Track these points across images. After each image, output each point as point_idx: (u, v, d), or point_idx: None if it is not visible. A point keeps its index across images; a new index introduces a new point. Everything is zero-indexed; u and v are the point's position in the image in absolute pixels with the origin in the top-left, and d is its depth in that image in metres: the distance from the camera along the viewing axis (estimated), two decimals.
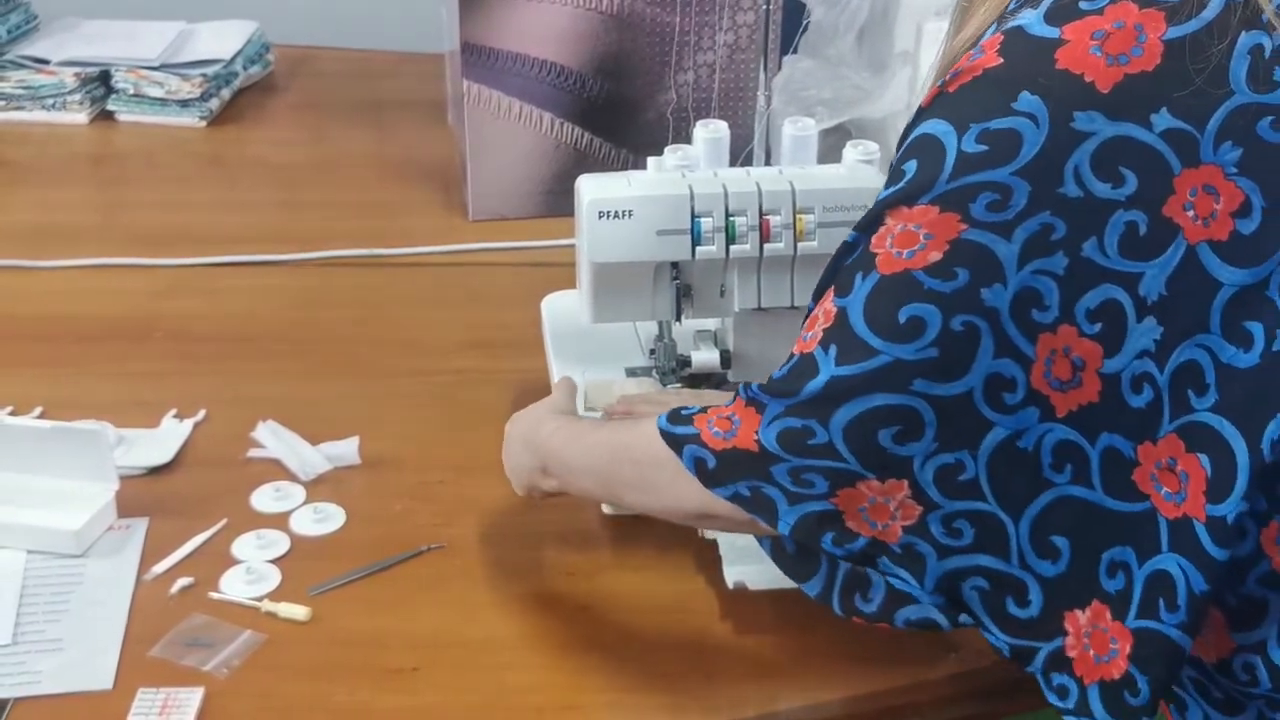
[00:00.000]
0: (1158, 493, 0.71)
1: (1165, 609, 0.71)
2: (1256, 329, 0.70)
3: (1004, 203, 0.69)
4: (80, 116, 1.73)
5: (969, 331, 0.70)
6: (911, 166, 0.72)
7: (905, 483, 0.72)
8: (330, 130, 1.77)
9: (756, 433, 0.74)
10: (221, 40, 1.83)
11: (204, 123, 1.74)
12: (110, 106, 1.75)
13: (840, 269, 0.75)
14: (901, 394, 0.70)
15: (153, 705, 0.84)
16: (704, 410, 0.79)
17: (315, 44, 2.02)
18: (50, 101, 1.73)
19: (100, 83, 1.76)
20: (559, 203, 1.50)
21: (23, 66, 1.75)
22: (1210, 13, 0.70)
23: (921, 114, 0.74)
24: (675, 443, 0.78)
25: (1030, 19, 0.71)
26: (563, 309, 1.15)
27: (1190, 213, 0.69)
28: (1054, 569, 0.73)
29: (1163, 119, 0.69)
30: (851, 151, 1.04)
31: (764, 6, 1.41)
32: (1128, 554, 0.72)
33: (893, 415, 0.71)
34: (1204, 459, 0.70)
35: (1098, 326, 0.70)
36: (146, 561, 0.97)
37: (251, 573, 0.95)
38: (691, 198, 0.97)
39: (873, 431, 0.71)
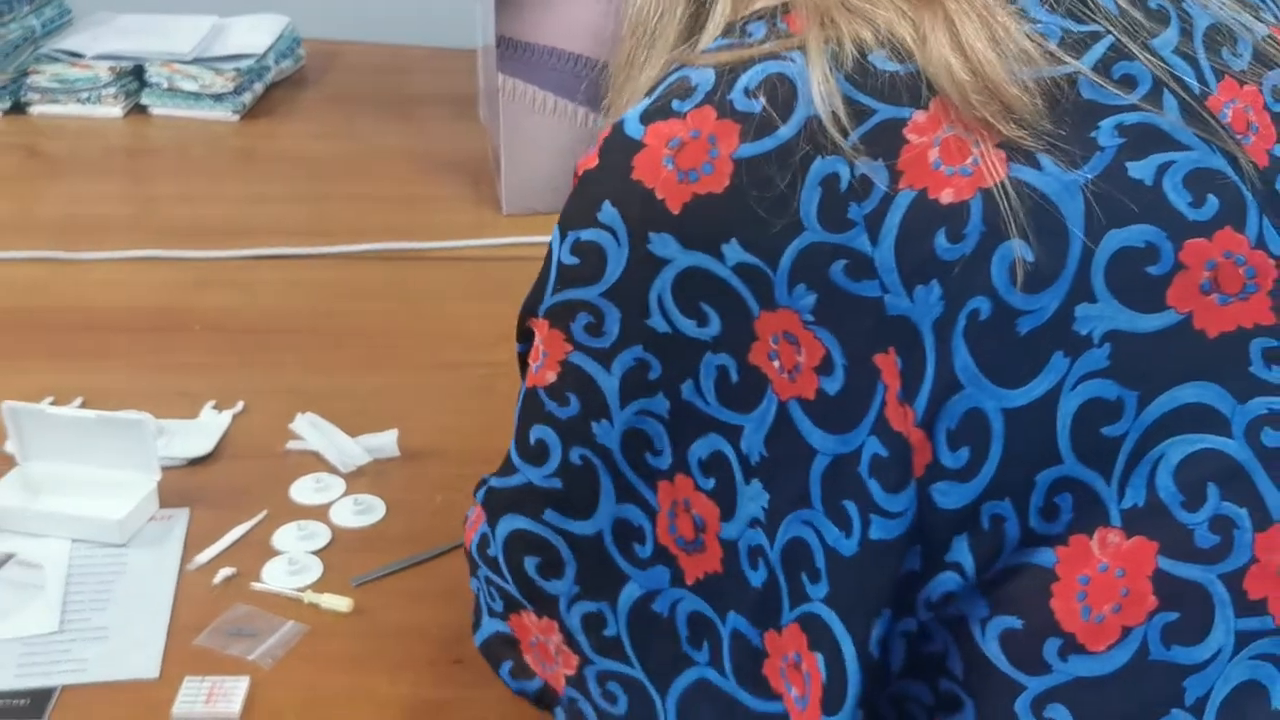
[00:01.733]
0: (788, 693, 0.62)
1: None
2: (853, 510, 0.59)
3: (599, 327, 0.63)
4: (114, 110, 1.74)
5: (587, 466, 0.65)
6: (539, 275, 0.67)
7: (556, 624, 0.68)
8: (361, 124, 1.77)
9: (475, 530, 0.73)
10: (254, 35, 1.84)
11: (237, 117, 1.75)
12: (144, 100, 1.76)
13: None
14: (536, 521, 0.67)
15: (198, 694, 0.84)
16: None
17: (344, 39, 2.03)
18: (85, 95, 1.74)
19: (134, 77, 1.77)
20: None
21: (57, 60, 1.76)
22: (788, 131, 0.59)
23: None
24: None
25: (632, 114, 0.63)
26: None
27: (775, 363, 0.60)
28: None
29: (734, 251, 0.59)
30: None
31: None
32: None
33: (532, 544, 0.68)
34: (819, 659, 0.60)
35: (712, 481, 0.62)
36: (189, 551, 0.97)
37: (294, 563, 0.95)
38: None
39: (520, 556, 0.68)
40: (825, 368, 0.59)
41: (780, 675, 0.63)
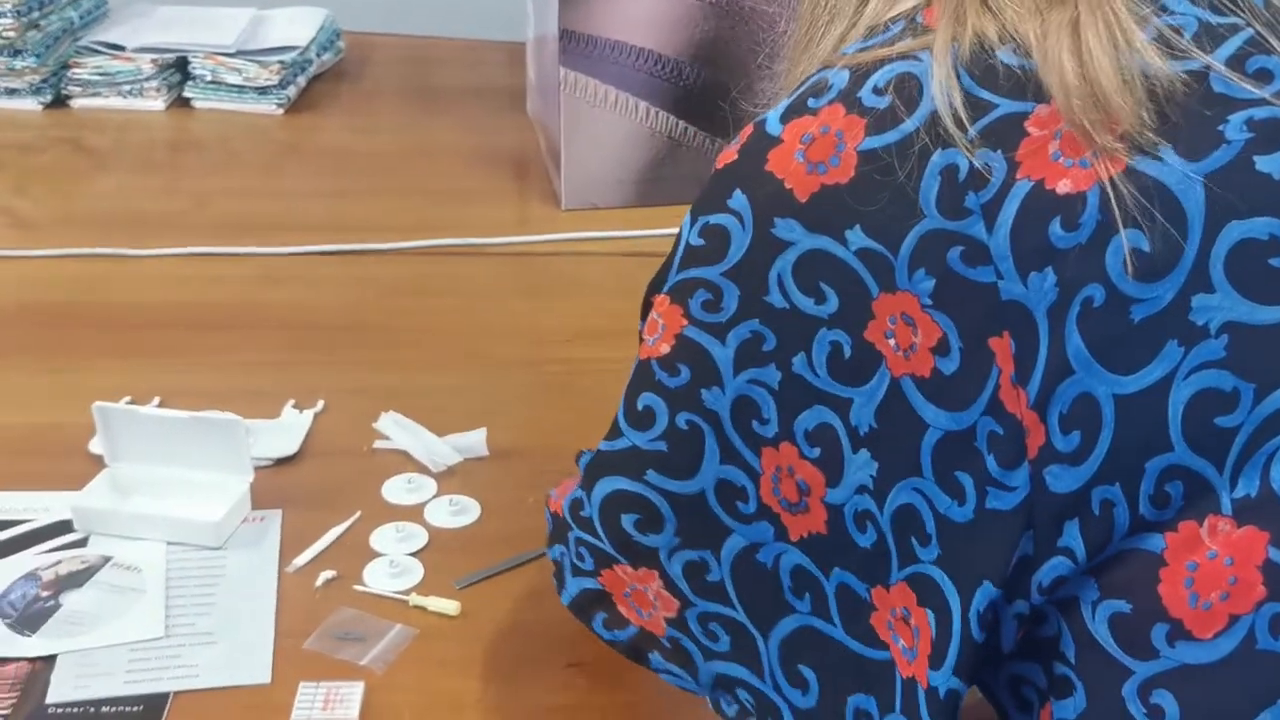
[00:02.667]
0: (895, 644, 0.65)
1: None
2: (967, 481, 0.61)
3: (716, 303, 0.66)
4: (157, 103, 1.72)
5: (693, 431, 0.67)
6: (671, 257, 0.70)
7: (655, 573, 0.71)
8: (404, 118, 1.76)
9: (567, 496, 0.75)
10: (295, 27, 1.82)
11: (281, 110, 1.73)
12: (187, 93, 1.74)
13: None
14: (637, 481, 0.70)
15: (315, 699, 0.83)
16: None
17: (381, 31, 2.02)
18: (127, 88, 1.72)
19: (177, 69, 1.75)
20: (652, 191, 1.49)
21: (98, 53, 1.74)
22: (911, 125, 0.62)
23: None
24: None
25: (773, 114, 0.67)
26: None
27: (891, 341, 0.62)
28: (804, 701, 0.69)
29: (857, 236, 0.62)
30: None
31: None
32: (870, 704, 0.67)
33: (632, 502, 0.70)
34: (930, 615, 0.63)
35: (817, 450, 0.65)
36: (285, 554, 0.96)
37: (395, 565, 0.94)
38: None
39: (617, 515, 0.71)
40: (941, 349, 0.61)
41: (887, 627, 0.65)
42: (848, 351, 0.63)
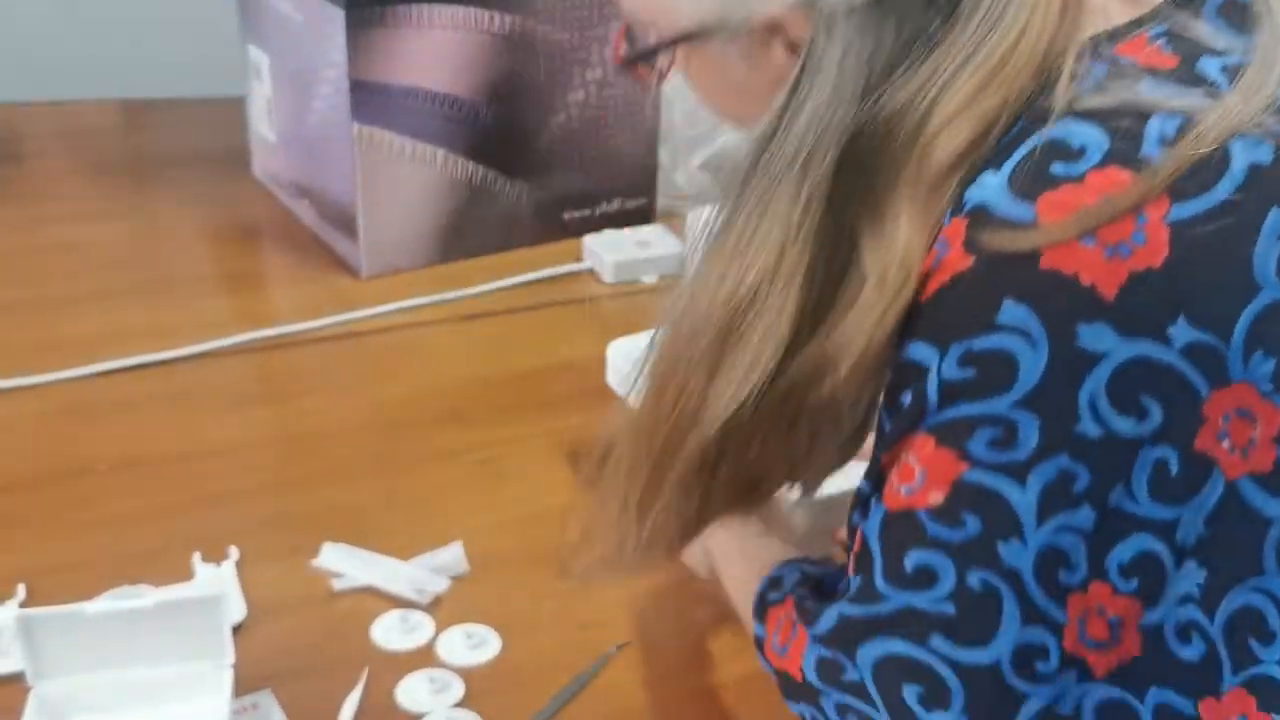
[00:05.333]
0: None
1: None
2: None
3: (1009, 441, 0.56)
4: None
5: (988, 593, 0.58)
6: (907, 398, 0.59)
7: None
8: (128, 197, 1.51)
9: (802, 656, 0.66)
10: None
11: None
12: None
13: (859, 491, 0.65)
14: (920, 646, 0.59)
15: None
16: (784, 600, 0.70)
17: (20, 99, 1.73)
18: None
19: None
20: (455, 245, 1.37)
21: None
22: (1226, 185, 0.55)
23: (906, 333, 0.60)
24: (756, 646, 0.71)
25: (992, 191, 0.56)
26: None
27: (1225, 443, 0.56)
28: None
29: (1181, 331, 0.54)
30: None
31: None
32: None
33: (914, 672, 0.60)
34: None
35: (1134, 582, 0.58)
36: None
37: None
38: None
39: (897, 684, 0.61)
40: None
41: None
42: (1174, 468, 0.56)
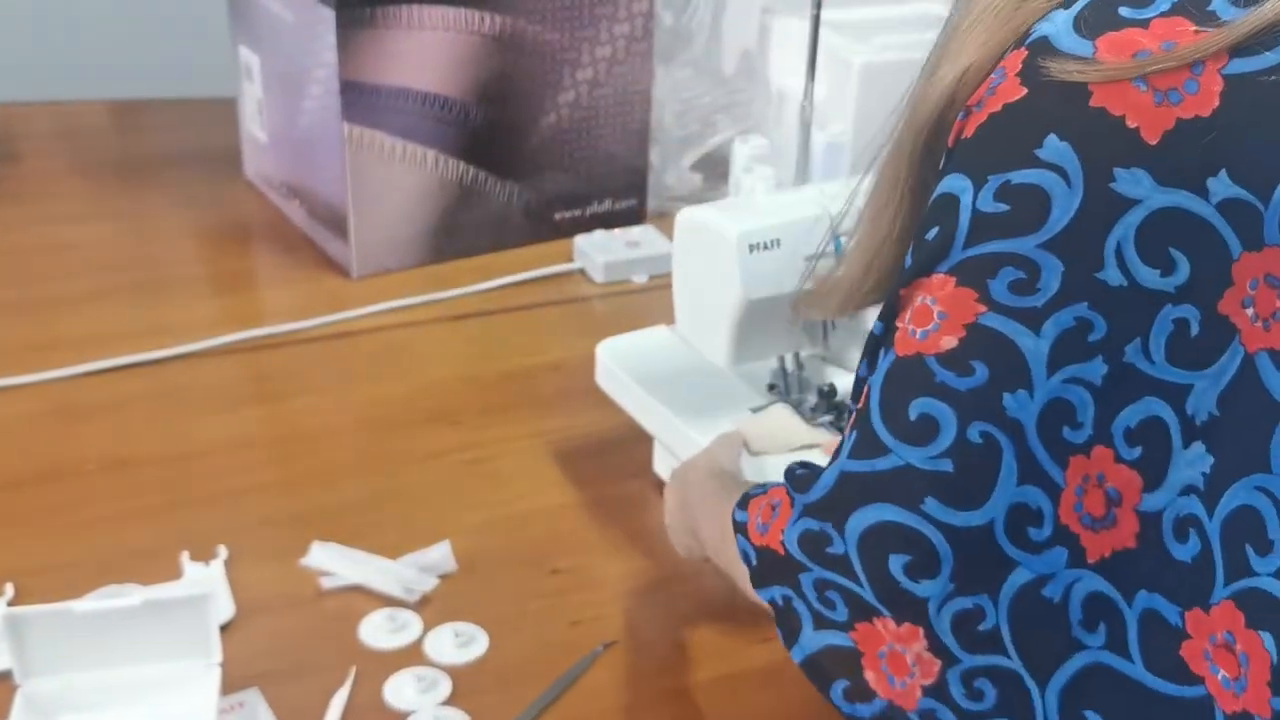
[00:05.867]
0: (1214, 676, 0.56)
1: None
2: None
3: (1030, 284, 0.55)
4: None
5: (988, 446, 0.56)
6: (933, 233, 0.58)
7: (921, 630, 0.58)
8: (121, 199, 1.51)
9: (784, 531, 0.63)
10: None
11: None
12: None
13: (871, 336, 0.63)
14: (912, 512, 0.57)
15: None
16: (766, 491, 0.67)
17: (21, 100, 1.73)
18: None
19: None
20: (445, 246, 1.38)
21: None
22: None
23: (943, 168, 0.60)
24: (737, 531, 0.67)
25: (1059, 25, 0.56)
26: (629, 352, 1.03)
27: (1249, 311, 0.54)
28: None
29: (1221, 185, 0.53)
30: None
31: (643, 12, 1.36)
32: None
33: (904, 540, 0.57)
34: (1268, 638, 0.54)
35: (1137, 451, 0.56)
36: None
37: None
38: (830, 217, 0.91)
39: (884, 556, 0.58)
40: None
41: (1204, 657, 0.56)
42: (1195, 329, 0.54)
